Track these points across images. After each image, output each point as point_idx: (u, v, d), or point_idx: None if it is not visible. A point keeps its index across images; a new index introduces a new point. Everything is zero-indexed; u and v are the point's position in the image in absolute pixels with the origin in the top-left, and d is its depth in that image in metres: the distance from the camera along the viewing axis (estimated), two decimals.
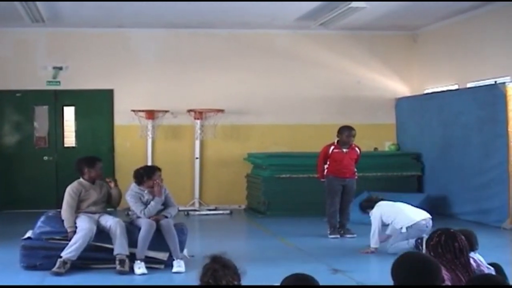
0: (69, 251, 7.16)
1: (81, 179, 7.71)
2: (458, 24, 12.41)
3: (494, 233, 9.22)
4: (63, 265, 7.11)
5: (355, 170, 9.75)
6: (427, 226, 7.86)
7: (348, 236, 9.40)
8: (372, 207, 8.26)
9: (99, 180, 7.82)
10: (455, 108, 11.58)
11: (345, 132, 9.60)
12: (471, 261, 4.24)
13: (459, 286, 3.49)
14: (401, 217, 7.99)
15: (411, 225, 7.87)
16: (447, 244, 4.09)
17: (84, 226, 7.27)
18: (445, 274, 3.95)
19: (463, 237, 4.18)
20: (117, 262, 7.16)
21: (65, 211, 7.46)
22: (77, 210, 7.53)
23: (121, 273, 7.07)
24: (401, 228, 7.90)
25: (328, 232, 9.60)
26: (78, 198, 7.55)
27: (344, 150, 9.61)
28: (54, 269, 7.07)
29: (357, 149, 9.77)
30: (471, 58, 12.07)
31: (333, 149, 9.60)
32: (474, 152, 10.92)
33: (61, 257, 7.14)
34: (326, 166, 9.65)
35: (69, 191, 7.59)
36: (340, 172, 9.57)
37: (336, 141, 9.67)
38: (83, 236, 7.18)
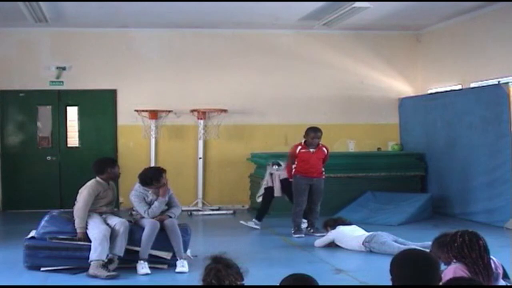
0: (97, 252, 7.07)
1: (98, 179, 7.65)
2: (462, 24, 12.39)
3: (498, 232, 9.19)
4: (104, 267, 7.01)
5: (323, 170, 9.91)
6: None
7: (317, 234, 9.35)
8: (334, 227, 8.82)
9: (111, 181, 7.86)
10: (459, 108, 11.56)
11: (311, 134, 9.76)
12: (491, 262, 4.23)
13: (441, 285, 3.46)
14: (346, 240, 8.64)
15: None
16: (472, 243, 4.08)
17: (99, 224, 7.28)
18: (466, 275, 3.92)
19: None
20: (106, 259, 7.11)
21: (81, 209, 7.36)
22: (89, 208, 7.47)
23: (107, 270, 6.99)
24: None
25: (292, 231, 9.71)
26: (96, 197, 7.52)
27: (311, 150, 9.76)
28: (105, 275, 6.93)
29: (324, 149, 9.91)
30: (474, 58, 12.05)
31: (300, 149, 9.77)
32: (477, 152, 10.89)
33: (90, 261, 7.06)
34: (294, 166, 9.80)
35: (89, 189, 7.51)
36: (307, 171, 9.73)
37: (303, 142, 9.83)
38: (103, 231, 7.16)
